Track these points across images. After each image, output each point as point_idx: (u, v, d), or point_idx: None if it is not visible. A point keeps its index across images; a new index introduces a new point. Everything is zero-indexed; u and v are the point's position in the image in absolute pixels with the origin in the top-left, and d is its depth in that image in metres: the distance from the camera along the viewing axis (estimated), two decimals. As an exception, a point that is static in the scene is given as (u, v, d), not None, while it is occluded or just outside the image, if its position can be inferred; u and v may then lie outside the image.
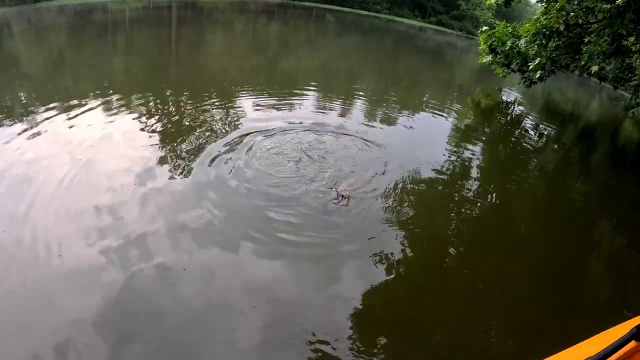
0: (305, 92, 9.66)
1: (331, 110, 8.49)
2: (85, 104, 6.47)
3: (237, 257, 3.69)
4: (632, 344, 1.51)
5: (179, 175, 4.82)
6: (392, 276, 3.77)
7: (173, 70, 10.45)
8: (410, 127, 8.65)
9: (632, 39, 10.31)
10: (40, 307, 2.88)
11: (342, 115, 8.39)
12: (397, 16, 44.29)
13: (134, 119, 6.23)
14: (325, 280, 3.62)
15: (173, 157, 5.21)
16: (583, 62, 10.07)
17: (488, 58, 11.85)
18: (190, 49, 13.82)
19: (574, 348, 1.52)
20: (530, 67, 10.40)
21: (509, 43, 10.99)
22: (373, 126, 7.92)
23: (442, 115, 10.12)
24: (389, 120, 8.70)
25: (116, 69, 9.75)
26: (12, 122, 5.48)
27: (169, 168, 4.93)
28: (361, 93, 10.83)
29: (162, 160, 5.07)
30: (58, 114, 5.95)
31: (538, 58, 10.21)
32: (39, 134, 5.30)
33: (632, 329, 1.53)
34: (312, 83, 10.85)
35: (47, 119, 5.75)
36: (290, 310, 3.22)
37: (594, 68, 9.55)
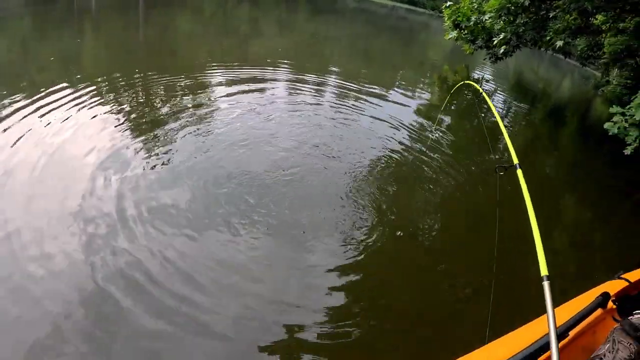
0: (276, 71, 9.54)
1: (302, 91, 8.34)
2: (52, 92, 6.07)
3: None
4: (599, 311, 1.53)
5: (152, 159, 4.69)
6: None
7: (142, 55, 10.04)
8: (379, 105, 8.44)
9: (600, 17, 10.29)
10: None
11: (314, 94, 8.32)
12: (369, -5, 43.57)
13: (102, 105, 5.97)
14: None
15: (144, 141, 5.07)
16: (548, 38, 10.04)
17: (453, 34, 11.62)
18: (159, 33, 13.26)
19: (543, 317, 1.49)
20: (495, 42, 10.32)
21: (473, 18, 10.81)
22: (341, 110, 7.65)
23: (408, 95, 9.95)
24: (357, 100, 8.49)
25: (84, 55, 9.27)
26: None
27: (142, 152, 4.81)
28: (332, 72, 10.63)
29: (133, 146, 4.92)
30: (24, 104, 5.57)
31: (503, 33, 10.12)
32: (4, 124, 4.96)
33: (598, 296, 1.54)
34: (285, 61, 10.61)
35: (12, 108, 5.37)
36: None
37: (559, 43, 9.45)
